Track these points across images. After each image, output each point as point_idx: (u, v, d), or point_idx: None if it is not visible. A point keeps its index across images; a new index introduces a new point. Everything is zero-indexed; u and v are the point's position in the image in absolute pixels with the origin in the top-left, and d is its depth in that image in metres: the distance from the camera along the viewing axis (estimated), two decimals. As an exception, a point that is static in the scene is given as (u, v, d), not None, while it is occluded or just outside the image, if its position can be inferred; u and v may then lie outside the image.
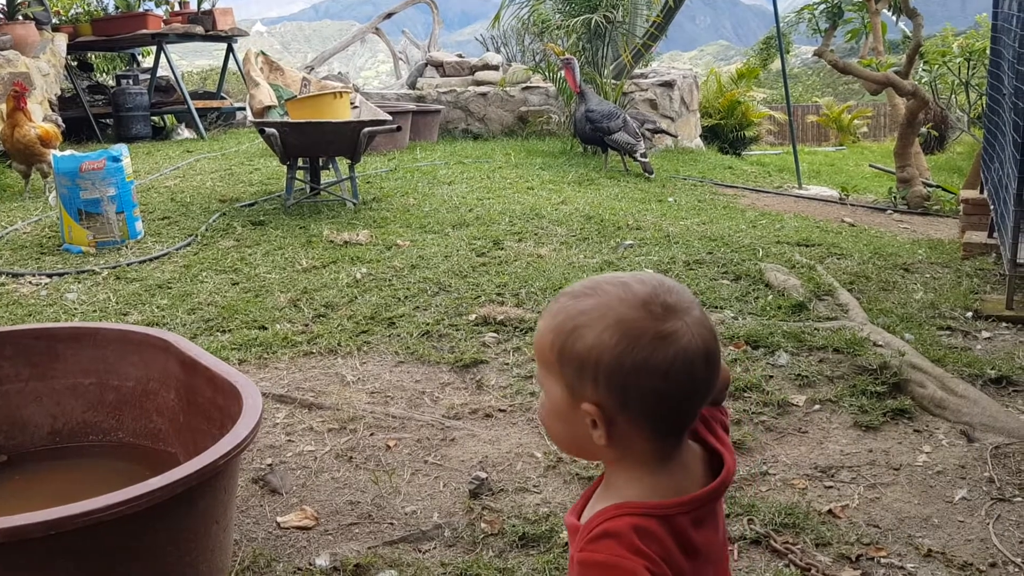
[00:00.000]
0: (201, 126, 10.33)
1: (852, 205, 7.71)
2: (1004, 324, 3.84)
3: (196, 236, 5.36)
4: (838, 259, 4.82)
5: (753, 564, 2.25)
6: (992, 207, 4.81)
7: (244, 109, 10.87)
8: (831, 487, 2.62)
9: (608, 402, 0.99)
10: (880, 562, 2.27)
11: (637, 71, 10.23)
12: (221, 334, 3.81)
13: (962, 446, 2.83)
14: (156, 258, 4.97)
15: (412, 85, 11.03)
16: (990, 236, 4.93)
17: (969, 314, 3.96)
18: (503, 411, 3.17)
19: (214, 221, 5.69)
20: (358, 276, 4.48)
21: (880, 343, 3.37)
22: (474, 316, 3.92)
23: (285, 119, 5.99)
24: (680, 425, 1.03)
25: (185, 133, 10.60)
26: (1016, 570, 2.24)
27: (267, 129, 5.62)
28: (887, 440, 2.87)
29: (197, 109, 10.45)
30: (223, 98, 11.79)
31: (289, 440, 2.97)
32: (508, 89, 10.14)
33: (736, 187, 8.01)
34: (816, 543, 2.33)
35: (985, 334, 3.76)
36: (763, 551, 2.30)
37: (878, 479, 2.65)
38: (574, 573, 0.98)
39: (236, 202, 6.25)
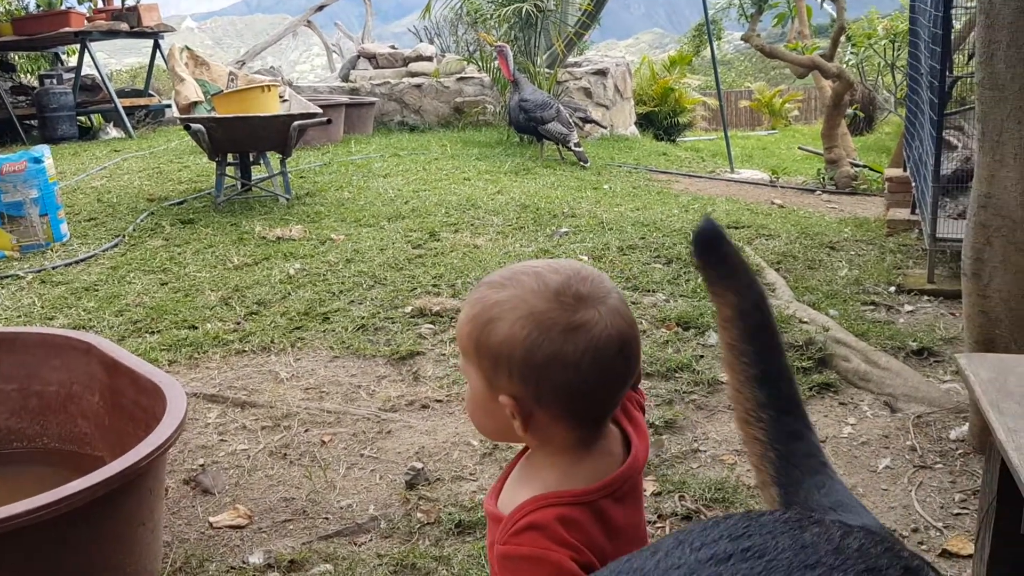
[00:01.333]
0: (129, 125, 10.10)
1: (782, 187, 7.86)
2: (926, 297, 3.96)
3: (123, 237, 5.25)
4: (766, 240, 4.92)
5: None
6: (914, 184, 4.95)
7: (173, 107, 10.68)
8: (760, 462, 2.67)
9: (523, 395, 0.99)
10: (806, 532, 2.32)
11: (571, 60, 10.28)
12: (150, 335, 3.74)
13: (885, 417, 2.91)
14: (82, 260, 4.86)
15: (345, 78, 10.92)
16: (912, 213, 5.07)
17: (892, 289, 4.08)
18: (440, 402, 3.17)
19: (142, 221, 5.58)
20: (291, 272, 4.44)
21: (806, 320, 3.45)
22: (410, 308, 3.91)
23: (212, 115, 5.89)
24: (599, 415, 1.03)
25: (113, 132, 10.35)
26: (937, 534, 2.32)
27: (193, 125, 5.52)
28: (813, 413, 2.94)
29: (124, 107, 10.20)
30: (151, 95, 11.54)
31: (222, 440, 2.94)
32: (443, 80, 10.10)
33: (670, 173, 8.10)
34: (745, 517, 2.37)
35: (908, 308, 3.88)
36: (694, 527, 2.34)
37: (805, 452, 2.71)
38: (497, 565, 0.99)
39: (165, 201, 6.13)
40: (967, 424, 2.73)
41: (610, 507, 1.01)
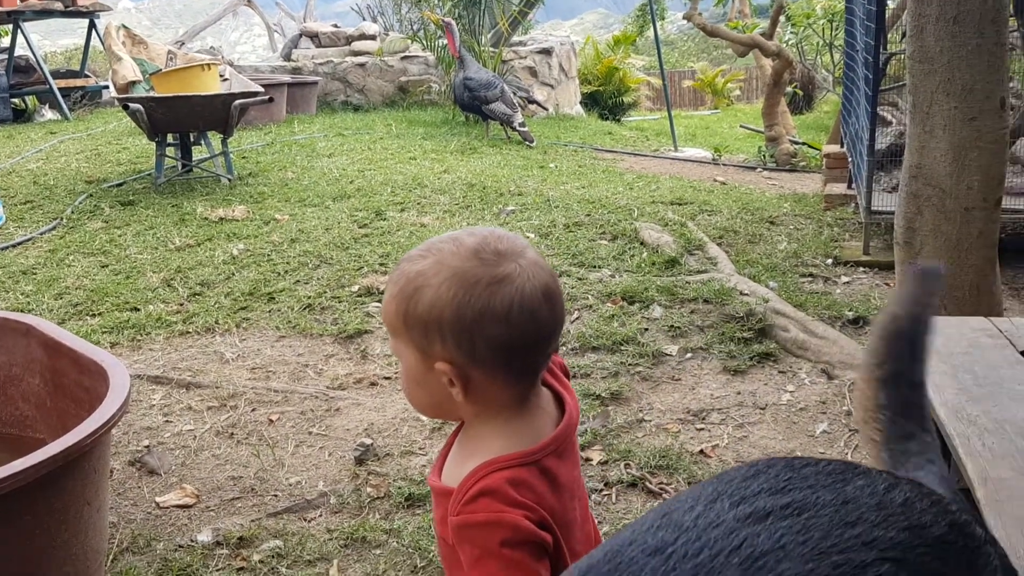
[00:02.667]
0: (65, 106, 9.83)
1: (724, 165, 7.97)
2: (861, 269, 4.08)
3: (62, 219, 5.13)
4: (709, 215, 5.00)
5: (630, 506, 2.34)
6: (850, 160, 5.07)
7: (110, 87, 10.40)
8: (702, 429, 2.74)
9: (459, 358, 1.00)
10: (748, 495, 2.39)
11: (515, 39, 10.26)
12: (91, 318, 3.68)
13: (823, 383, 3.00)
14: (19, 244, 4.74)
15: (287, 57, 10.76)
16: (849, 187, 5.19)
17: (829, 261, 4.18)
18: (388, 379, 3.18)
19: (80, 203, 5.46)
20: (235, 252, 4.39)
21: (746, 292, 3.53)
22: (357, 287, 3.90)
23: (151, 94, 5.77)
24: (533, 368, 1.05)
25: (48, 114, 10.07)
26: (871, 494, 2.40)
27: (132, 105, 5.40)
28: (754, 382, 3.02)
29: (60, 89, 9.92)
30: (87, 76, 11.23)
31: (167, 421, 2.91)
32: (386, 59, 10.01)
33: (615, 152, 8.16)
34: (688, 482, 2.44)
35: (844, 279, 3.99)
36: (639, 493, 2.40)
37: (746, 419, 2.79)
38: (454, 536, 1.00)
39: (104, 183, 6.00)
40: (900, 389, 2.82)
41: (554, 464, 1.03)
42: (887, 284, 3.87)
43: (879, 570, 0.62)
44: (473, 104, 7.89)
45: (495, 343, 1.00)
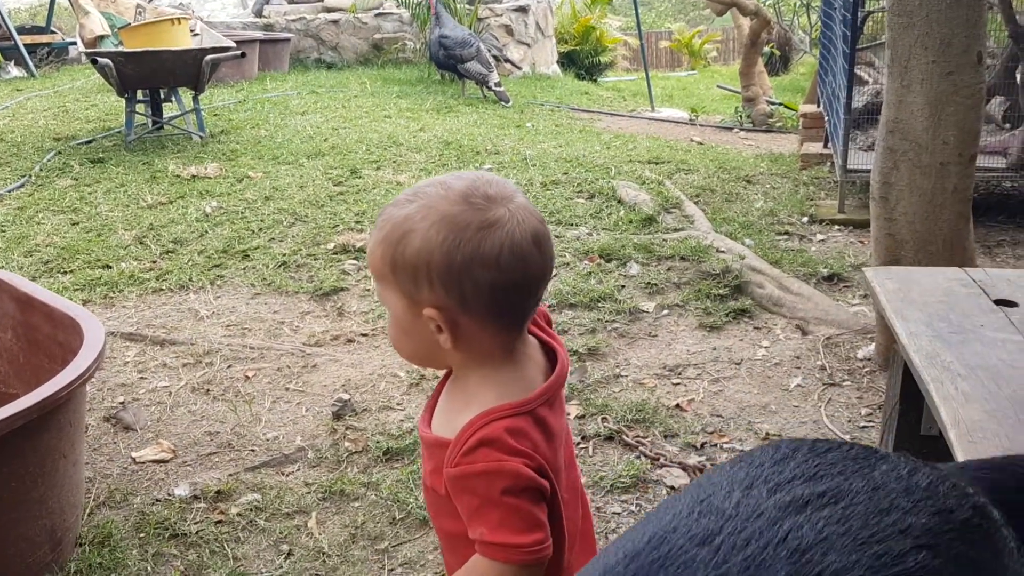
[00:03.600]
0: (31, 63, 9.60)
1: (701, 125, 7.96)
2: (836, 227, 4.10)
3: (30, 177, 5.04)
4: (686, 174, 5.00)
5: (607, 458, 2.36)
6: (827, 119, 5.08)
7: (77, 44, 10.16)
8: (678, 384, 2.76)
9: (447, 303, 0.99)
10: (723, 447, 2.42)
11: (491, -4, 10.13)
12: (62, 275, 3.63)
13: (797, 339, 3.03)
14: (-14, 201, 4.66)
15: (259, 13, 10.56)
16: (825, 146, 5.20)
17: (805, 219, 4.21)
18: (365, 335, 3.17)
19: (49, 160, 5.36)
20: (208, 210, 4.33)
21: (723, 249, 3.54)
22: (332, 245, 3.87)
23: (120, 49, 5.65)
24: (522, 315, 1.04)
25: (13, 71, 9.82)
26: (844, 446, 2.44)
27: (101, 60, 5.29)
28: (729, 338, 3.04)
29: (26, 45, 9.68)
30: (53, 32, 10.97)
31: (141, 377, 2.89)
32: (360, 16, 9.85)
33: (592, 111, 8.12)
34: (664, 435, 2.46)
35: (819, 236, 4.01)
36: (616, 445, 2.42)
37: (721, 374, 2.82)
38: (452, 487, 0.99)
39: (72, 140, 5.89)
40: (873, 344, 2.86)
41: (546, 413, 1.03)
42: (861, 242, 3.90)
43: (916, 557, 0.63)
44: (449, 63, 7.80)
45: (484, 288, 0.99)
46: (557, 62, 11.13)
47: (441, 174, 3.62)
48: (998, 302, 1.58)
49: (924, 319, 1.50)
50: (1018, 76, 3.98)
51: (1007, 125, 4.43)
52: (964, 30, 2.30)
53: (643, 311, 3.22)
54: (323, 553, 2.03)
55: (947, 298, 1.58)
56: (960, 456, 1.14)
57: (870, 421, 2.53)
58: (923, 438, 1.64)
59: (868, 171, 3.33)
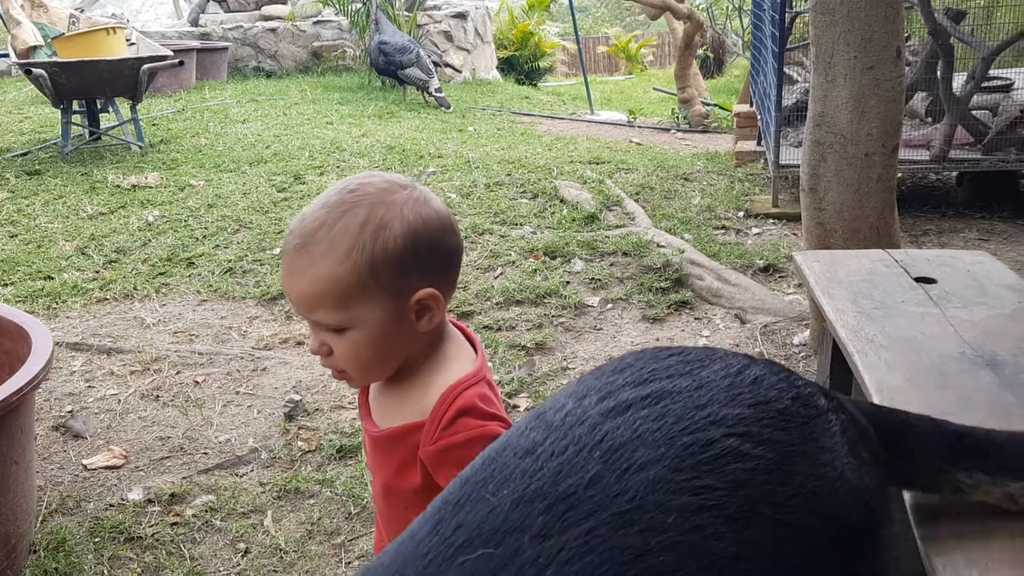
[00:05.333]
0: (-43, 75, 9.37)
1: (639, 127, 8.11)
2: (771, 220, 4.24)
3: (-37, 190, 4.94)
4: (625, 173, 5.10)
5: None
6: (759, 117, 5.23)
7: (7, 55, 9.93)
8: (624, 374, 2.84)
9: (434, 279, 1.02)
10: (668, 433, 2.50)
11: (430, 2, 10.18)
12: (3, 287, 3.58)
13: (736, 328, 3.13)
14: (-82, 216, 4.55)
15: (194, 23, 10.45)
16: (758, 144, 5.36)
17: (741, 214, 4.34)
18: (313, 338, 3.19)
19: (-18, 173, 5.26)
20: (150, 219, 4.30)
21: (663, 244, 3.64)
22: (278, 250, 3.88)
23: (54, 59, 5.57)
24: (455, 285, 1.10)
25: (-62, 83, 9.57)
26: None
27: (35, 70, 5.21)
28: (672, 329, 3.13)
29: (-50, 56, 9.45)
30: (-20, 44, 10.71)
31: (89, 386, 2.88)
32: (299, 23, 9.82)
33: (533, 115, 8.21)
34: (612, 423, 2.53)
35: (755, 230, 4.14)
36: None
37: (665, 363, 2.90)
38: (434, 462, 1.01)
39: (7, 152, 5.78)
40: (808, 330, 2.97)
41: (491, 378, 1.09)
42: (795, 234, 4.04)
43: (724, 444, 0.69)
44: (389, 69, 7.83)
45: (451, 253, 1.04)
46: (497, 68, 11.23)
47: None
48: (918, 279, 1.68)
49: (850, 297, 1.59)
50: (939, 72, 4.16)
51: (929, 119, 4.62)
52: (883, 26, 2.42)
53: (588, 306, 3.30)
54: (280, 550, 2.06)
55: (871, 277, 1.68)
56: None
57: (807, 403, 2.63)
58: (853, 411, 1.74)
59: (799, 166, 3.46)
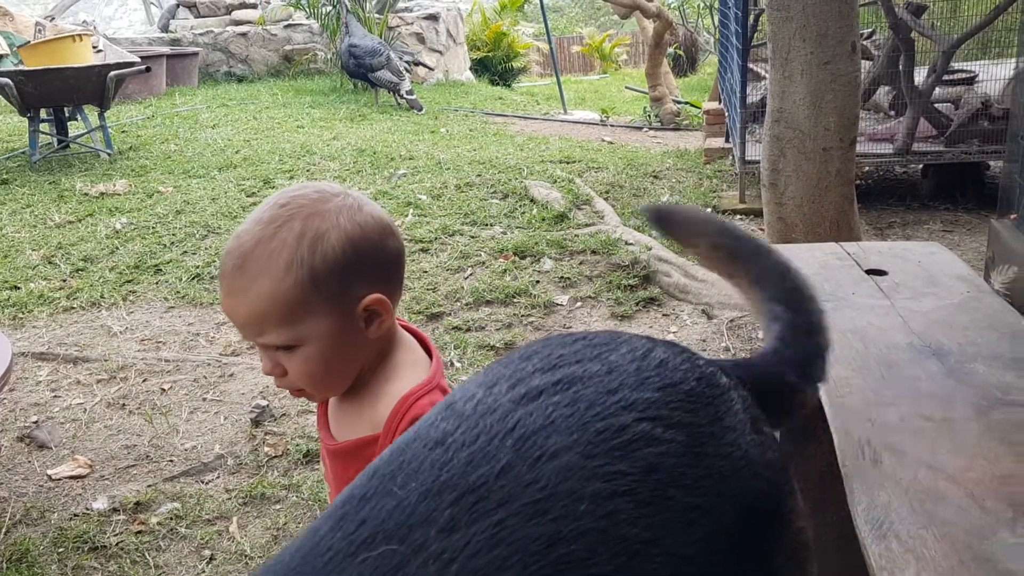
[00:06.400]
0: (-77, 85, 9.26)
1: (612, 126, 8.14)
2: (738, 216, 4.27)
3: (-72, 201, 4.89)
4: (596, 172, 5.12)
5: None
6: (727, 114, 5.26)
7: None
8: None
9: (379, 284, 1.01)
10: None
11: (401, 4, 10.16)
12: (-33, 298, 3.55)
13: (703, 323, 3.15)
14: None
15: (165, 28, 10.38)
16: (726, 141, 5.39)
17: (709, 210, 4.36)
18: (282, 343, 3.18)
19: (-52, 184, 5.20)
20: (118, 227, 4.27)
21: (631, 242, 3.66)
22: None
23: (20, 67, 5.52)
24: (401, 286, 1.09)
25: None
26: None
27: (0, 79, 5.16)
28: (640, 325, 3.15)
29: (-84, 66, 9.34)
30: (-54, 53, 10.60)
31: (55, 396, 2.86)
32: (269, 28, 9.78)
33: (506, 116, 8.22)
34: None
35: (723, 227, 4.17)
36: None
37: (632, 360, 2.91)
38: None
39: (-27, 162, 5.73)
40: (774, 324, 2.99)
41: (446, 384, 1.09)
42: (761, 229, 4.06)
43: (636, 429, 0.69)
44: (359, 72, 7.81)
45: (394, 256, 1.03)
46: (470, 68, 11.22)
47: (356, 183, 3.65)
48: (869, 271, 1.70)
49: (802, 290, 1.60)
50: (900, 66, 4.20)
51: (892, 112, 4.67)
52: (838, 21, 2.44)
53: (557, 304, 3.31)
54: (245, 555, 2.05)
55: (823, 270, 1.70)
56: (829, 410, 1.24)
57: (772, 396, 2.65)
58: (809, 403, 1.76)
59: (764, 161, 3.49)
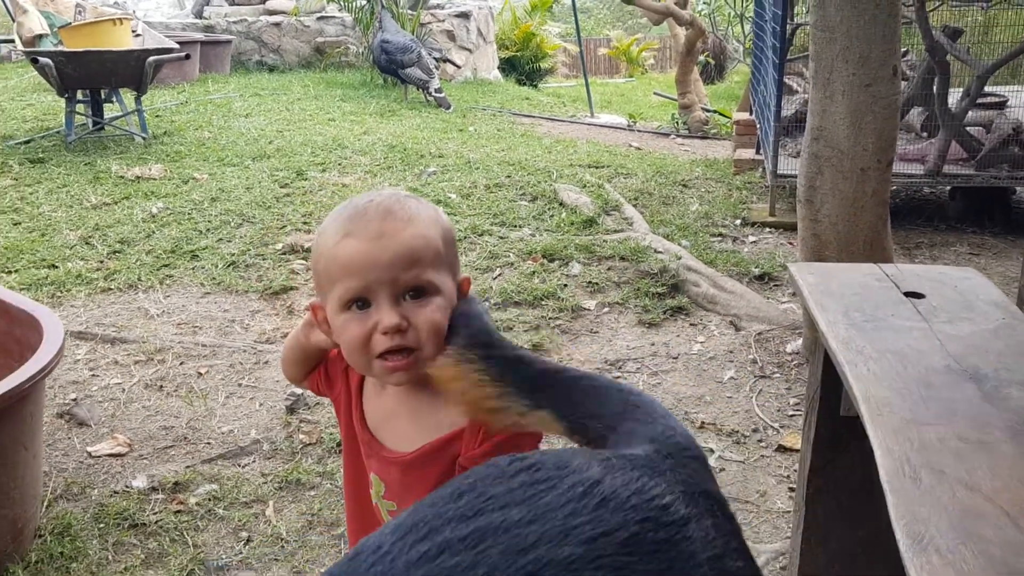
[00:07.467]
0: (-41, 60, 9.39)
1: (639, 131, 8.17)
2: (768, 229, 4.30)
3: (-33, 176, 4.98)
4: (625, 178, 5.16)
5: (551, 446, 2.48)
6: (758, 126, 5.29)
7: (7, 42, 9.95)
8: (619, 377, 2.90)
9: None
10: (661, 436, 2.56)
11: (433, 1, 10.22)
12: (7, 275, 3.62)
13: (731, 334, 3.19)
14: (-78, 201, 4.59)
15: (199, 15, 10.47)
16: (757, 152, 5.42)
17: (738, 222, 4.40)
18: (314, 333, 3.24)
19: (-14, 160, 5.29)
20: (154, 211, 4.35)
21: (660, 250, 3.70)
22: (280, 245, 3.93)
23: (60, 48, 5.61)
24: None
25: (-59, 68, 9.59)
26: (774, 433, 2.60)
27: (41, 59, 5.25)
28: (667, 334, 3.19)
29: (-47, 41, 9.46)
30: (-17, 29, 10.73)
31: (93, 375, 2.92)
32: (303, 19, 9.85)
33: (533, 116, 8.27)
34: (607, 424, 2.59)
35: (751, 238, 4.21)
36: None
37: (659, 367, 2.96)
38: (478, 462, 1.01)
39: (9, 140, 5.81)
40: (801, 338, 3.03)
41: None
42: (791, 243, 4.10)
43: None
44: (390, 68, 7.88)
45: None
46: (498, 68, 11.28)
47: (386, 180, 3.71)
48: (907, 294, 1.74)
49: (841, 309, 1.65)
50: (934, 87, 4.23)
51: (924, 134, 4.69)
52: (881, 45, 2.48)
53: (585, 309, 3.36)
54: (281, 539, 2.11)
55: (862, 291, 1.74)
56: (870, 428, 1.28)
57: (798, 410, 2.69)
58: (842, 419, 1.79)
59: (796, 176, 3.52)
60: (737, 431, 2.60)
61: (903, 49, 4.93)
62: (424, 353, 1.01)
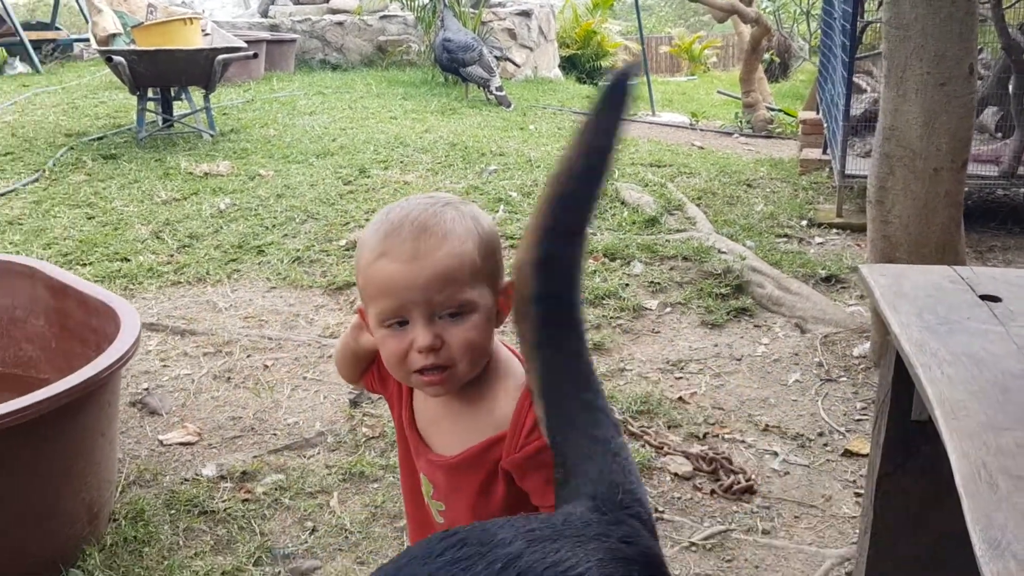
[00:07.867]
0: (36, 59, 9.71)
1: (702, 130, 8.09)
2: (835, 230, 4.23)
3: (43, 171, 5.14)
4: (687, 177, 5.12)
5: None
6: (825, 125, 5.20)
7: (82, 40, 10.24)
8: (681, 378, 2.88)
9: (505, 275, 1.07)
10: (724, 438, 2.54)
11: (495, 0, 10.25)
12: (82, 267, 3.74)
13: (796, 337, 3.15)
14: (2, 195, 4.76)
15: (264, 14, 10.67)
16: (824, 152, 5.33)
17: (804, 222, 4.33)
18: (377, 328, 3.28)
19: (62, 156, 5.46)
20: (222, 207, 4.44)
21: (724, 250, 3.66)
22: (344, 241, 3.99)
23: (132, 47, 5.76)
24: None
25: (19, 67, 9.92)
26: (840, 437, 2.56)
27: (115, 57, 5.40)
28: (730, 335, 3.16)
29: (31, 41, 9.79)
30: (58, 29, 11.08)
31: (164, 365, 3.00)
32: (365, 18, 9.97)
33: (594, 114, 8.23)
34: (668, 425, 2.58)
35: (818, 239, 4.14)
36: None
37: (722, 369, 2.93)
38: (517, 471, 1.03)
39: (83, 136, 5.99)
40: (869, 342, 2.98)
41: None
42: (858, 245, 4.03)
43: None
44: (452, 66, 7.93)
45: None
46: (559, 66, 11.26)
47: (447, 177, 3.75)
48: (983, 297, 1.70)
49: (914, 312, 1.61)
50: (1010, 87, 4.11)
51: (999, 135, 4.56)
52: (957, 43, 2.42)
53: (646, 308, 3.34)
54: (345, 530, 2.15)
55: (936, 293, 1.70)
56: (944, 431, 1.26)
57: (864, 414, 2.65)
58: (913, 423, 1.76)
59: (865, 176, 3.45)
60: (802, 435, 2.56)
61: (978, 47, 4.80)
62: (458, 371, 1.03)
